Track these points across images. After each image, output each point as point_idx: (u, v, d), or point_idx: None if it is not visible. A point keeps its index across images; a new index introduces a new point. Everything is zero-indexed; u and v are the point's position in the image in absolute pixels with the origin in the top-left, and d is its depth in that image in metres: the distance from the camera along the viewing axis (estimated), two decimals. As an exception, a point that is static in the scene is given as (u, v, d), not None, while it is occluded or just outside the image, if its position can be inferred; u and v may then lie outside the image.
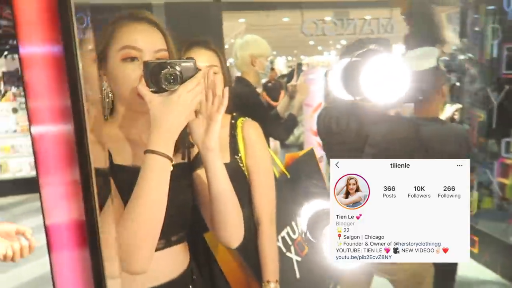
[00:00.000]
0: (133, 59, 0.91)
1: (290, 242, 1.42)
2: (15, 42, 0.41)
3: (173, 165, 0.93)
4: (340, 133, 1.78)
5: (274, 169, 1.45)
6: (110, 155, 0.93)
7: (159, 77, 0.82)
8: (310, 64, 8.05)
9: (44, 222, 0.46)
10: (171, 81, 0.82)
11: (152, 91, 0.84)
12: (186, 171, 1.05)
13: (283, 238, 1.41)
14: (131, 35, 0.91)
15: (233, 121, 1.36)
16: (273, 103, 5.15)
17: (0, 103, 6.34)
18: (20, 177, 5.77)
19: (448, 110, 2.42)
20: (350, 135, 1.73)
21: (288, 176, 1.48)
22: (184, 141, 1.02)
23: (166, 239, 0.98)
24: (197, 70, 0.86)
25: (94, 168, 0.42)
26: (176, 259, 1.02)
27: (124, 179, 0.88)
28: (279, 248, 1.37)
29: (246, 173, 1.34)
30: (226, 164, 1.05)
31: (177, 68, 0.83)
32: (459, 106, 2.60)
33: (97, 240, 0.43)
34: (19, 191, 5.54)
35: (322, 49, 13.84)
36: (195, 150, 1.07)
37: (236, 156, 1.32)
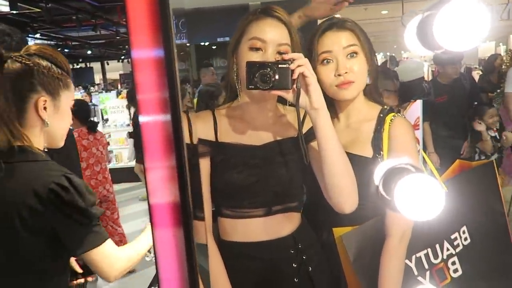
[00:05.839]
0: (257, 49, 1.02)
1: (426, 266, 1.23)
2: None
3: (280, 140, 1.10)
4: None
5: None
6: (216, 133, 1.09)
7: (256, 76, 0.92)
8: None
9: (148, 202, 0.53)
10: (266, 80, 0.91)
11: (250, 88, 0.93)
12: (292, 147, 1.11)
13: (418, 258, 1.22)
14: (259, 28, 1.03)
15: (381, 115, 1.19)
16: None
17: (118, 100, 7.12)
18: (131, 166, 5.48)
19: None
20: None
21: (445, 190, 1.25)
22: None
23: (268, 208, 1.08)
24: (291, 72, 0.92)
25: (187, 155, 0.48)
26: (276, 226, 1.10)
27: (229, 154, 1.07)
28: (410, 268, 1.19)
29: None
30: (366, 159, 1.13)
31: (273, 69, 0.91)
32: None
33: (189, 219, 0.49)
34: (128, 179, 5.76)
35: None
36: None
37: (377, 155, 1.16)
